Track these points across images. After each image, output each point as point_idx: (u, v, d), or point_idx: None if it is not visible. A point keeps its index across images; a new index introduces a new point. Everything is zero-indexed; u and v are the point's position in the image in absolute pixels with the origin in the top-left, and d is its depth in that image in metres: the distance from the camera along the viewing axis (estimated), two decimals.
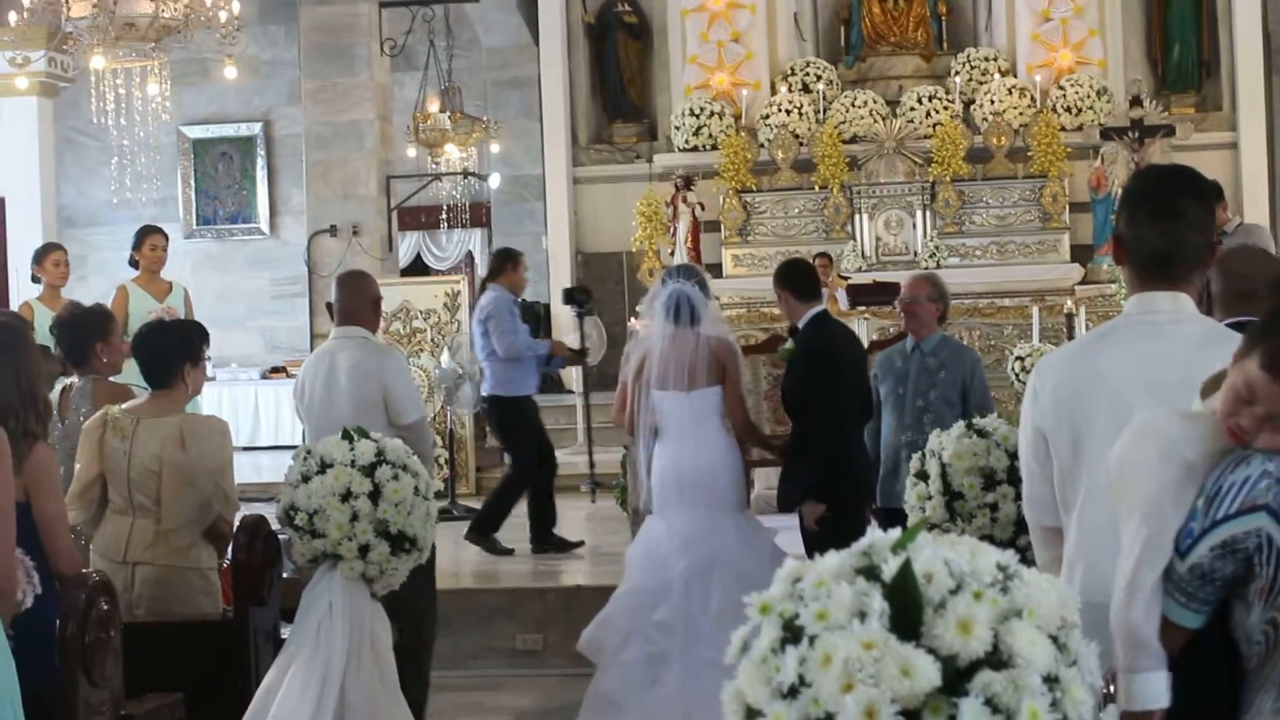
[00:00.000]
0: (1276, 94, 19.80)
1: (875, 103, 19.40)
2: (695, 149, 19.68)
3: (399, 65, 20.90)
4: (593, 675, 8.54)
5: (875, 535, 2.40)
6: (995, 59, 19.68)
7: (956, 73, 19.63)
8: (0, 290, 18.00)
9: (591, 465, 15.20)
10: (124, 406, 6.98)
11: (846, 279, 17.17)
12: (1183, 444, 3.49)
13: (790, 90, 19.68)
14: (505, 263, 12.65)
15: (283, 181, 24.32)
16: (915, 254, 18.69)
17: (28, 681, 4.90)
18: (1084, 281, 18.33)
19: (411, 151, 20.58)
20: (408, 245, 24.98)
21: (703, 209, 19.04)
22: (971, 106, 19.38)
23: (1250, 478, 3.31)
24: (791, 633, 2.28)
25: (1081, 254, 18.80)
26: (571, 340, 17.89)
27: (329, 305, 8.52)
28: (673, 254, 18.96)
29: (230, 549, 6.85)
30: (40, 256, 12.72)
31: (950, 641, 2.21)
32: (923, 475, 6.81)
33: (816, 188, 19.17)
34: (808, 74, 19.91)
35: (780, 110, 19.44)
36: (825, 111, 19.43)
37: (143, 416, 6.87)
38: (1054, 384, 4.18)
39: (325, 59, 19.14)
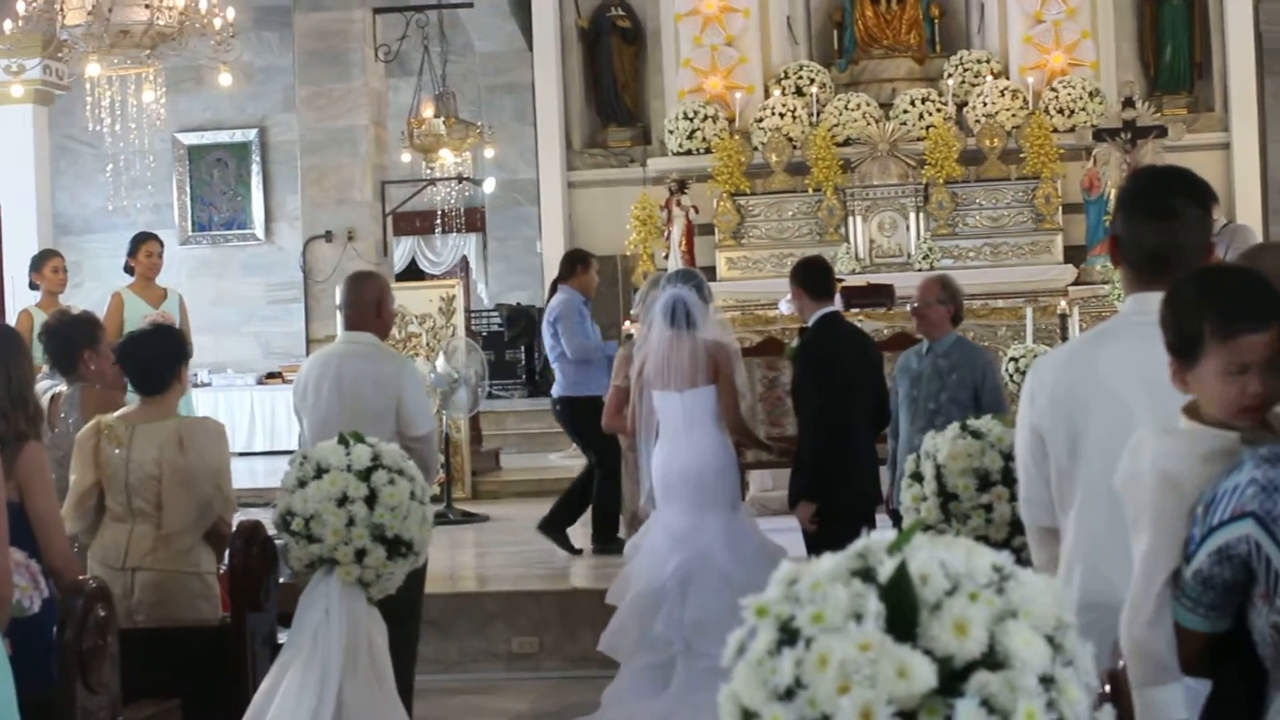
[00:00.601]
0: (1268, 95, 19.84)
1: (868, 105, 19.41)
2: (689, 152, 19.68)
3: (393, 71, 20.92)
4: (590, 679, 8.88)
5: (871, 537, 2.41)
6: (988, 61, 19.70)
7: (949, 75, 19.64)
8: None
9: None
10: (117, 414, 6.98)
11: (840, 281, 17.16)
12: (1162, 459, 3.50)
13: (783, 93, 19.70)
14: (575, 264, 12.64)
15: (278, 187, 24.32)
16: (909, 256, 18.70)
17: (25, 688, 4.90)
18: (1077, 282, 18.34)
19: (406, 157, 20.59)
20: (402, 250, 24.99)
21: (697, 212, 19.05)
22: (964, 109, 19.40)
23: (1239, 485, 3.32)
24: (788, 635, 2.29)
25: (1075, 255, 18.81)
26: None
27: (339, 307, 8.42)
28: (667, 257, 18.97)
29: (228, 552, 6.85)
30: (38, 263, 12.72)
31: (946, 643, 2.22)
32: (918, 476, 6.82)
33: (810, 190, 19.18)
34: (801, 77, 19.93)
35: (774, 113, 19.46)
36: (818, 114, 19.44)
37: (138, 423, 6.87)
38: (1051, 384, 4.19)
39: (319, 65, 19.16)
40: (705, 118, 19.64)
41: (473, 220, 24.31)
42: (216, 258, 24.52)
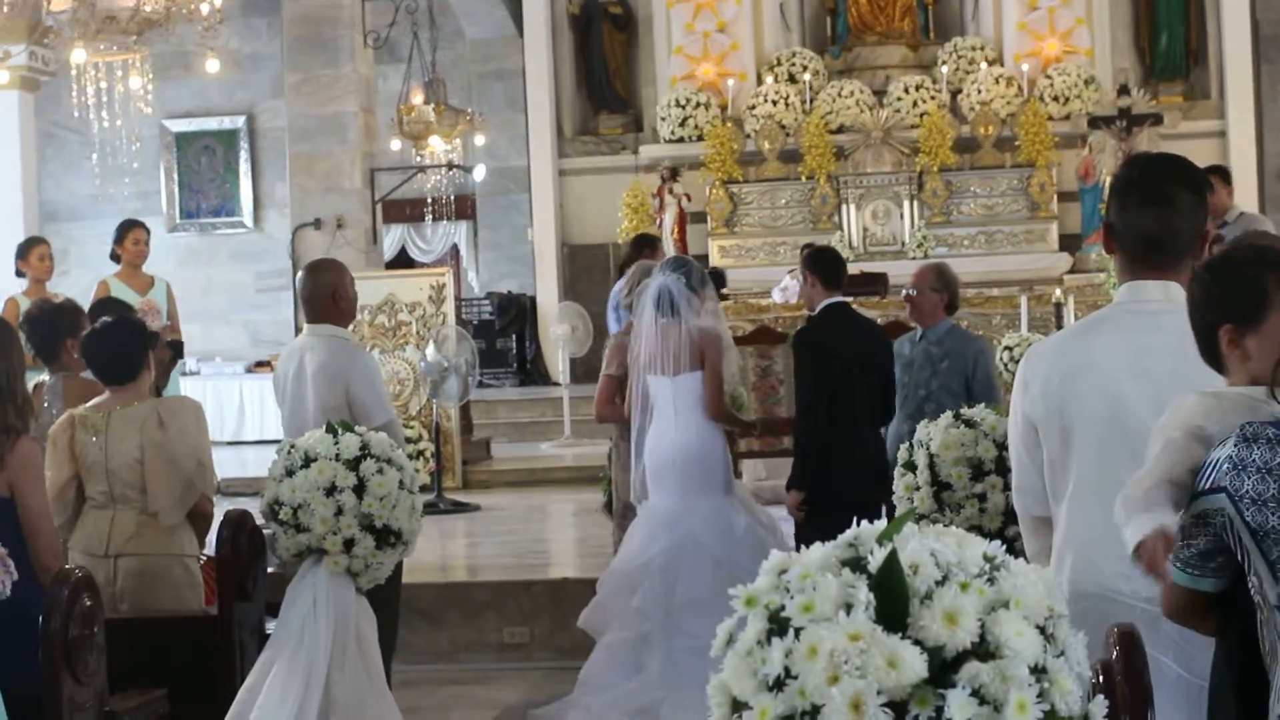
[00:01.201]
0: (1264, 82, 19.83)
1: (862, 93, 19.41)
2: (681, 140, 19.69)
3: (382, 57, 20.86)
4: (578, 667, 8.76)
5: (862, 526, 2.38)
6: (982, 48, 19.70)
7: (943, 62, 19.64)
8: None
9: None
10: (90, 404, 6.94)
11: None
12: (1199, 416, 3.52)
13: (776, 81, 19.70)
14: (641, 248, 12.67)
15: (266, 175, 24.26)
16: (903, 244, 18.71)
17: (11, 680, 4.87)
18: (1072, 271, 18.36)
19: (396, 144, 20.55)
20: (392, 238, 24.95)
21: (689, 200, 19.06)
22: (958, 96, 19.41)
23: (1219, 459, 3.39)
24: (777, 625, 2.26)
25: (1070, 243, 18.83)
26: (558, 332, 17.91)
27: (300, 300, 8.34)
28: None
29: (215, 542, 6.81)
30: (24, 251, 12.68)
31: (937, 633, 2.19)
32: (911, 466, 6.79)
33: (803, 178, 19.19)
34: (794, 64, 19.93)
35: (766, 101, 19.46)
36: (811, 102, 19.44)
37: (113, 409, 6.84)
38: (1044, 373, 4.17)
39: (308, 51, 19.10)
40: (697, 105, 19.64)
41: (463, 208, 24.25)
42: (204, 245, 24.46)
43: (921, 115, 19.04)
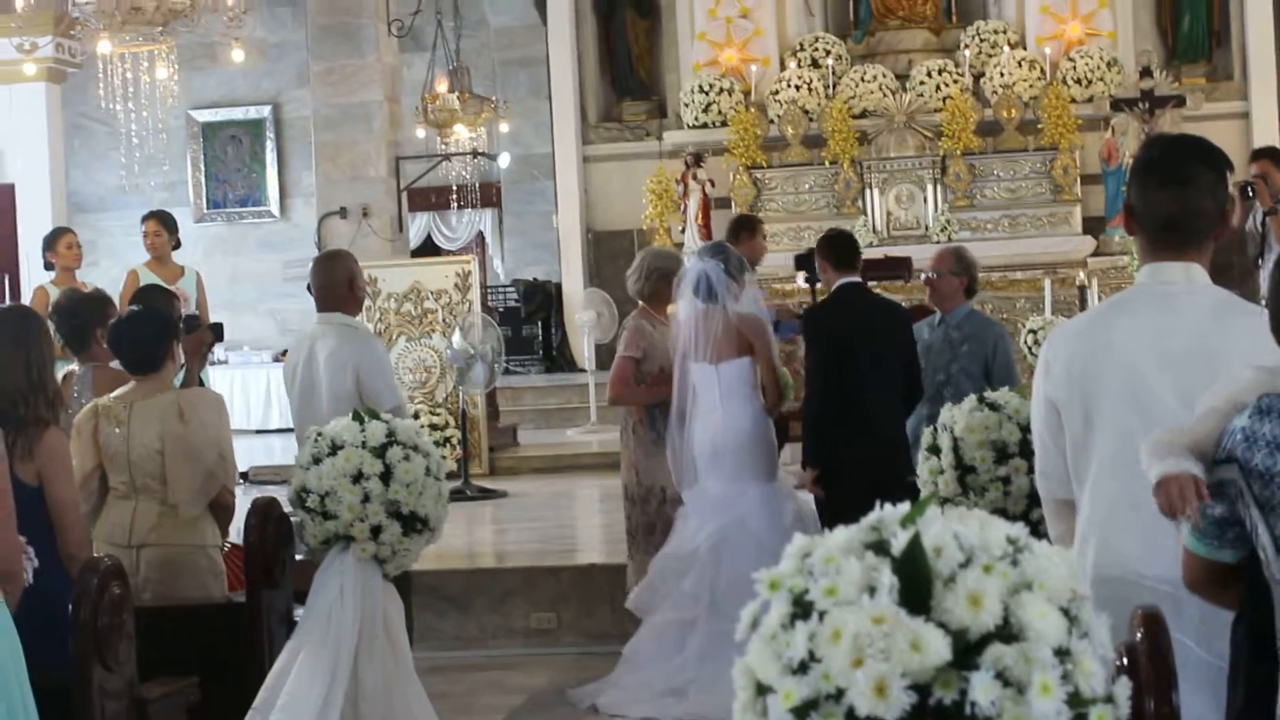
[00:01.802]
0: None
1: (884, 77, 19.37)
2: (705, 126, 19.67)
3: (407, 46, 20.86)
4: (608, 654, 8.98)
5: (885, 510, 2.39)
6: (1004, 31, 19.65)
7: (966, 46, 19.59)
8: (12, 277, 18.00)
9: None
10: (114, 394, 6.96)
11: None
12: (1250, 389, 3.52)
13: (799, 65, 19.67)
14: (741, 230, 12.62)
15: (292, 164, 24.30)
16: (926, 228, 18.66)
17: (42, 670, 4.89)
18: (1096, 254, 18.31)
19: (420, 132, 20.56)
20: (418, 226, 24.96)
21: (713, 186, 19.04)
22: (981, 79, 19.35)
23: (1235, 428, 3.41)
24: (801, 608, 2.27)
25: (1093, 226, 18.77)
26: (583, 318, 17.92)
27: (308, 288, 8.35)
28: (683, 231, 18.98)
29: (241, 530, 6.84)
30: (51, 241, 12.73)
31: (960, 615, 2.20)
32: (935, 449, 6.80)
33: (827, 163, 19.16)
34: (817, 49, 19.89)
35: (789, 86, 19.43)
36: (835, 86, 19.41)
37: (136, 400, 6.86)
38: (1066, 355, 4.16)
39: (333, 41, 19.10)
40: (721, 90, 19.61)
41: (488, 195, 24.28)
42: (232, 235, 24.51)
43: (944, 99, 18.99)
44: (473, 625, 10.25)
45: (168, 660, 6.14)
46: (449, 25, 20.27)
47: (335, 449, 6.64)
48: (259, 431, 20.86)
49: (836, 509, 8.12)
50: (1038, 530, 2.90)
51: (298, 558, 7.00)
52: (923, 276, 9.48)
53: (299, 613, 6.80)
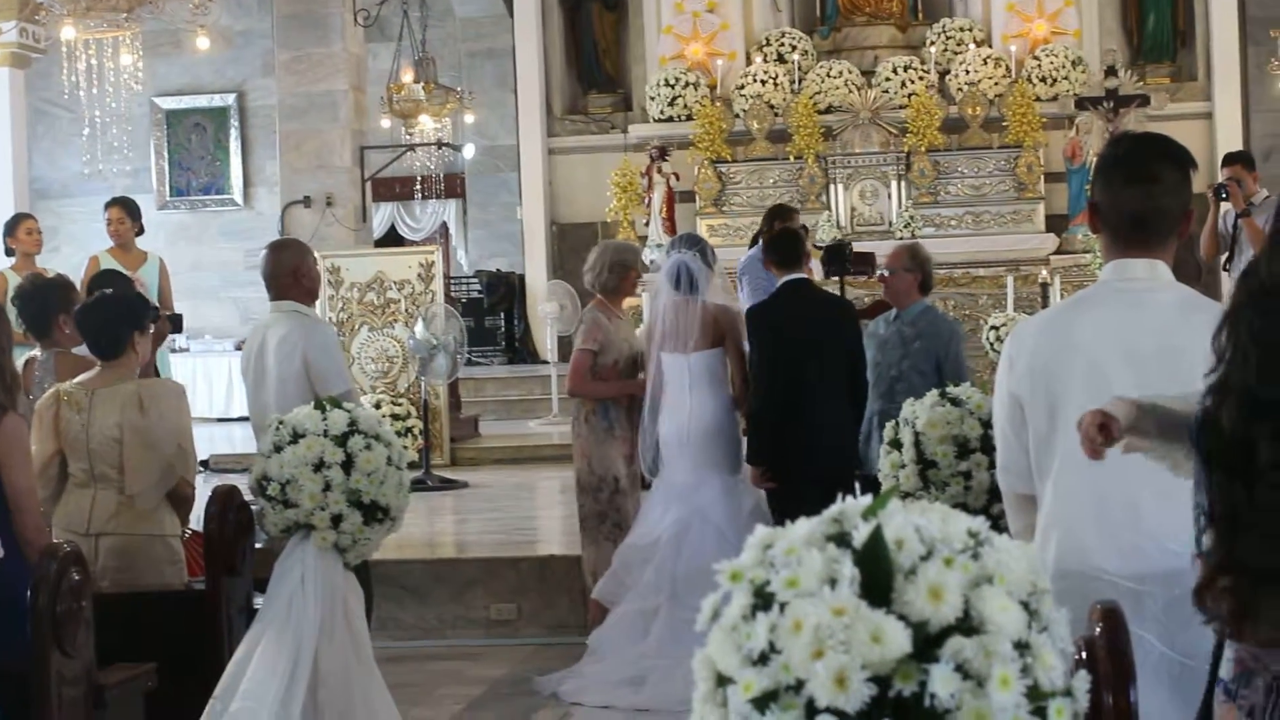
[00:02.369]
0: (1251, 64, 19.82)
1: (850, 73, 19.39)
2: (670, 119, 19.67)
3: (372, 36, 20.84)
4: (568, 645, 9.15)
5: (846, 502, 2.39)
6: (970, 29, 19.69)
7: (931, 43, 19.63)
8: None
9: None
10: (75, 381, 6.94)
11: (821, 249, 17.16)
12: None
13: (765, 60, 19.68)
14: (774, 220, 12.68)
15: (256, 152, 24.23)
16: (890, 224, 18.69)
17: (2, 657, 4.86)
18: (1059, 251, 18.36)
19: (385, 122, 20.53)
20: (382, 216, 24.93)
21: (678, 179, 19.04)
22: (946, 77, 19.39)
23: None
24: (762, 600, 2.27)
25: (1056, 224, 18.82)
26: (546, 310, 17.91)
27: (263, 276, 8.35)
28: (648, 224, 18.97)
29: (201, 518, 6.82)
30: (12, 227, 12.67)
31: (921, 608, 2.20)
32: (896, 444, 6.81)
33: (791, 158, 19.17)
34: (783, 44, 19.91)
35: (755, 80, 19.44)
36: (800, 82, 19.43)
37: (96, 388, 6.84)
38: (1030, 351, 4.17)
39: (298, 29, 19.07)
40: (686, 84, 19.62)
41: (452, 186, 24.26)
42: (195, 223, 24.45)
43: (909, 96, 19.02)
44: (432, 615, 10.25)
45: (127, 647, 6.12)
46: (415, 15, 20.22)
47: (297, 437, 6.62)
48: (220, 420, 20.81)
49: (784, 504, 8.18)
50: (998, 524, 2.91)
51: (258, 546, 6.98)
52: (878, 274, 9.57)
53: (259, 601, 6.78)
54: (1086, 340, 4.08)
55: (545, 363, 18.75)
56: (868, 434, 8.73)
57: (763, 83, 19.39)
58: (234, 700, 6.32)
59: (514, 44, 21.06)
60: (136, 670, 6.06)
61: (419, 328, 14.06)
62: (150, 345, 7.27)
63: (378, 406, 14.17)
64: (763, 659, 2.21)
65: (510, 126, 21.98)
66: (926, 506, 2.37)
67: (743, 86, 19.50)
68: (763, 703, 2.20)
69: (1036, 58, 19.17)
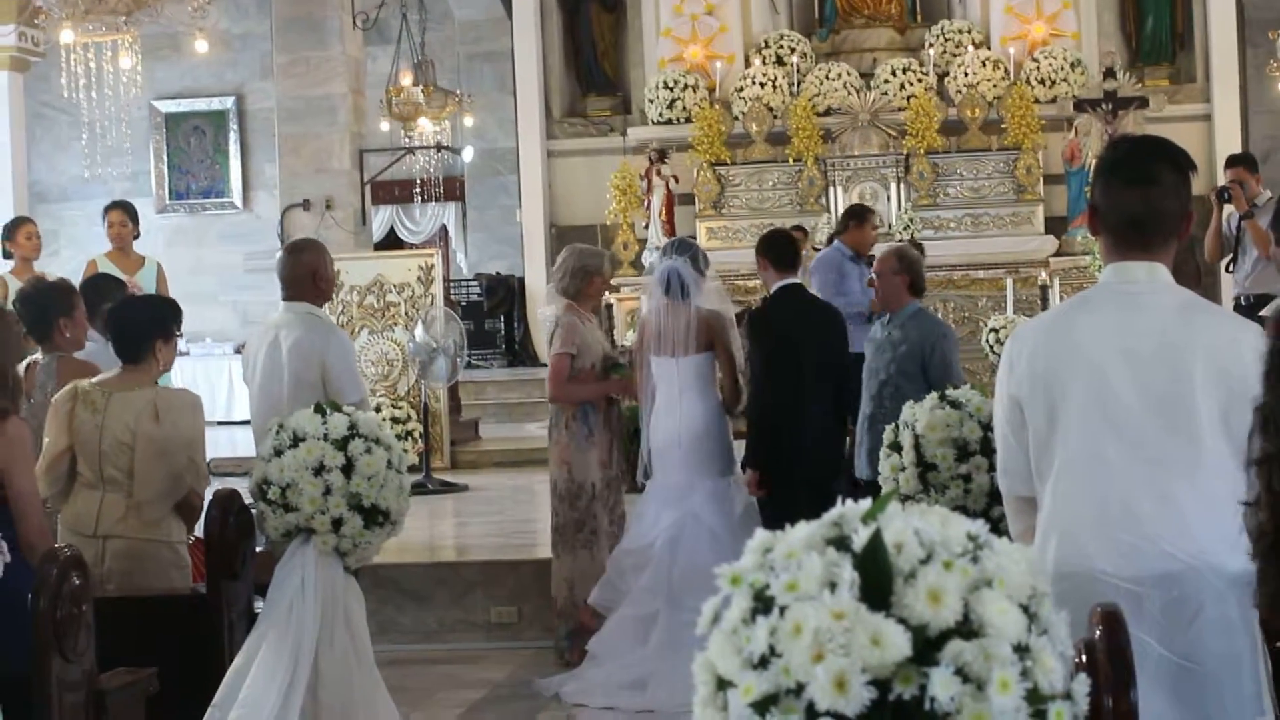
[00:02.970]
0: (1250, 66, 19.83)
1: (849, 75, 19.40)
2: (669, 122, 19.67)
3: (371, 39, 20.84)
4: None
5: (846, 506, 2.39)
6: (969, 31, 19.70)
7: (930, 45, 19.64)
8: None
9: None
10: (94, 380, 6.94)
11: (818, 251, 17.16)
12: None
13: (764, 63, 19.68)
14: (849, 220, 12.71)
15: (255, 156, 24.23)
16: (889, 227, 18.68)
17: (1, 659, 4.85)
18: (1058, 254, 18.37)
19: (384, 125, 20.53)
20: (381, 219, 24.91)
21: (677, 182, 19.04)
22: (945, 79, 19.40)
23: None
24: (762, 603, 2.27)
25: (1055, 226, 18.83)
26: (546, 313, 17.89)
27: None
28: (647, 227, 18.98)
29: (202, 523, 6.82)
30: (11, 231, 12.67)
31: (921, 611, 2.20)
32: (896, 447, 6.82)
33: (790, 160, 19.17)
34: (781, 47, 19.92)
35: (754, 83, 19.44)
36: (799, 84, 19.43)
37: (114, 390, 6.84)
38: (1030, 353, 4.17)
39: (297, 32, 19.06)
40: (685, 87, 19.62)
41: (451, 189, 24.25)
42: (194, 226, 24.44)
43: (908, 98, 19.03)
44: (433, 619, 10.24)
45: (128, 651, 6.11)
46: (414, 18, 20.22)
47: (297, 441, 6.62)
48: (221, 423, 20.79)
49: (778, 509, 8.18)
50: (998, 528, 2.91)
51: (258, 550, 6.98)
52: (868, 277, 9.60)
53: (260, 605, 6.78)
54: (1086, 342, 4.08)
55: (544, 366, 18.70)
56: (861, 437, 8.77)
57: (761, 85, 19.39)
58: (233, 709, 6.32)
59: (513, 47, 21.06)
60: (138, 675, 6.05)
61: (419, 331, 14.06)
62: (174, 356, 7.24)
63: (378, 410, 14.17)
64: (763, 662, 2.22)
65: (509, 129, 21.98)
66: (926, 510, 2.37)
67: (741, 89, 19.50)
68: (763, 706, 2.20)
69: (1035, 60, 19.18)
